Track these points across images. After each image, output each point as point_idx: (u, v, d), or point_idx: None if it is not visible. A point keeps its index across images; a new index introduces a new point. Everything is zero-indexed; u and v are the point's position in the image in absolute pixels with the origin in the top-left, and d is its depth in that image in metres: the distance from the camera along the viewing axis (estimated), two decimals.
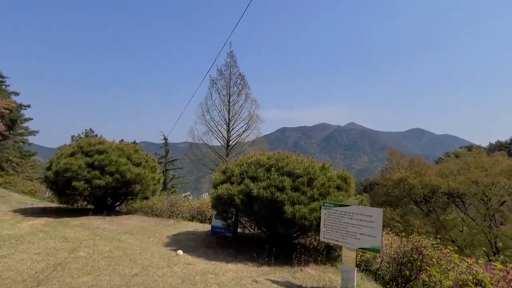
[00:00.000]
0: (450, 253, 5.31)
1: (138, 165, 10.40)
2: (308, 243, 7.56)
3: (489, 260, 9.50)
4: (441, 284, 4.55)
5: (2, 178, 20.41)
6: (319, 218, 5.43)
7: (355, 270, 4.52)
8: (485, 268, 4.49)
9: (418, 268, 5.23)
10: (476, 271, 4.34)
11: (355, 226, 4.54)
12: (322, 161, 7.06)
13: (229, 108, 27.12)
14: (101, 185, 9.27)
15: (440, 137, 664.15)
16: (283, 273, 5.30)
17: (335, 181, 6.48)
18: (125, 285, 4.31)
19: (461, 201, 24.83)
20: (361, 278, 5.51)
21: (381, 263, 6.10)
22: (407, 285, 5.30)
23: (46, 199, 14.08)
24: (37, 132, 34.75)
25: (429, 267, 5.02)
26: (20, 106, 31.82)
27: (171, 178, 30.62)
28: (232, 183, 6.56)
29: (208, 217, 10.31)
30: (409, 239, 5.86)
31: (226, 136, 27.24)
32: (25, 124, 33.52)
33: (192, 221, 10.41)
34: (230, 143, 27.27)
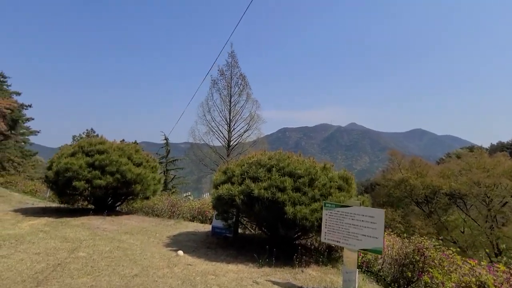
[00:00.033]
0: (453, 254, 5.27)
1: (138, 165, 10.38)
2: (309, 243, 7.53)
3: (491, 262, 9.45)
4: (443, 286, 4.50)
5: (3, 178, 20.43)
6: (320, 218, 5.39)
7: (357, 272, 4.48)
8: (488, 270, 4.44)
9: (420, 270, 5.19)
10: (480, 273, 4.30)
11: (357, 227, 4.50)
12: (323, 162, 7.02)
13: (230, 108, 27.11)
14: (102, 185, 9.25)
15: (441, 137, 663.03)
16: (284, 274, 5.27)
17: (337, 182, 6.44)
18: (124, 286, 4.28)
19: (462, 202, 24.76)
20: (363, 279, 5.47)
21: (382, 264, 6.06)
22: (409, 287, 5.27)
23: (47, 199, 14.07)
24: (38, 132, 34.86)
25: (431, 269, 4.97)
26: (22, 106, 31.90)
27: (172, 178, 30.61)
28: (233, 184, 6.53)
29: (209, 218, 10.28)
30: (411, 240, 5.82)
31: (227, 136, 27.23)
32: (27, 124, 33.62)
33: (193, 221, 10.38)
34: (231, 143, 27.25)
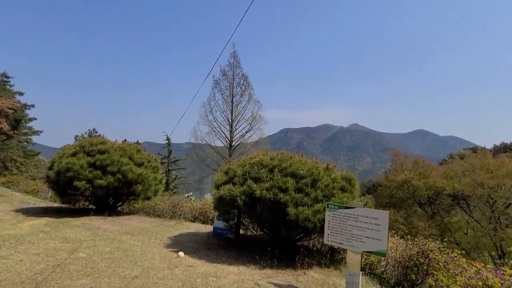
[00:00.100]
0: (458, 257, 5.18)
1: (140, 165, 10.33)
2: (311, 245, 7.45)
3: (494, 264, 9.33)
4: None
5: (5, 178, 20.46)
6: (323, 220, 5.32)
7: (360, 274, 4.40)
8: (494, 273, 4.35)
9: (425, 272, 5.11)
10: (486, 277, 4.21)
11: (360, 229, 4.42)
12: (326, 162, 6.94)
13: (232, 109, 27.05)
14: (103, 185, 9.20)
15: (443, 138, 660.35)
16: (286, 276, 5.19)
17: (339, 183, 6.36)
18: (124, 287, 4.22)
19: (466, 203, 24.55)
20: (366, 282, 5.39)
21: (386, 267, 5.97)
22: None
23: (48, 199, 14.05)
24: (41, 132, 34.97)
25: (436, 271, 4.88)
26: (24, 106, 32.00)
27: (174, 179, 30.59)
28: (234, 184, 6.46)
29: (210, 218, 10.22)
30: (414, 242, 5.73)
31: (229, 137, 27.17)
32: (29, 124, 33.74)
33: (194, 222, 10.32)
34: (233, 143, 27.19)
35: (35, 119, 33.91)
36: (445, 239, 19.25)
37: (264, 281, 4.89)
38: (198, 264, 5.51)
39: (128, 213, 10.96)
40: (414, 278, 5.12)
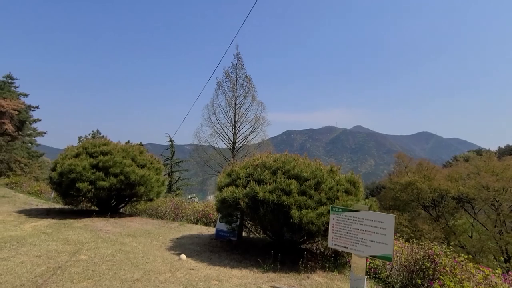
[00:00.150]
0: (465, 261, 5.08)
1: (142, 166, 10.30)
2: (314, 248, 7.36)
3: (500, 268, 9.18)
4: None
5: (9, 179, 20.54)
6: (327, 223, 5.24)
7: (365, 279, 4.31)
8: (503, 279, 4.24)
9: (431, 277, 5.01)
10: (496, 283, 4.10)
11: (365, 233, 4.33)
12: (330, 164, 6.86)
13: (235, 110, 27.05)
14: (105, 187, 9.17)
15: (447, 140, 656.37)
16: (289, 280, 5.11)
17: (344, 185, 6.27)
18: None
19: (470, 206, 24.32)
20: (371, 286, 5.30)
21: (391, 271, 5.87)
22: None
23: (51, 200, 14.06)
24: (45, 133, 35.18)
25: (443, 276, 4.78)
26: (29, 107, 32.20)
27: (177, 180, 30.58)
28: (237, 186, 6.39)
29: (213, 220, 10.15)
30: (420, 246, 5.64)
31: (232, 138, 27.15)
32: (34, 125, 33.95)
33: (197, 224, 10.26)
34: (236, 145, 27.16)
35: (40, 120, 34.16)
36: (451, 243, 19.04)
37: (267, 285, 4.81)
38: (200, 267, 5.44)
39: (130, 215, 10.92)
40: (420, 283, 5.01)
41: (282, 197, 5.68)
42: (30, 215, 9.26)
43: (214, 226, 8.84)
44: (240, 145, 27.37)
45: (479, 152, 41.09)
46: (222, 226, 7.57)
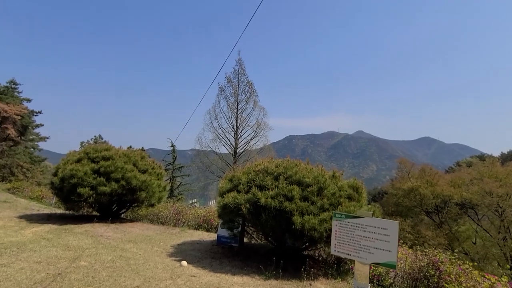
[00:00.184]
0: (470, 269, 5.00)
1: (144, 172, 10.27)
2: (317, 255, 7.28)
3: (504, 275, 9.04)
4: None
5: (11, 184, 20.54)
6: (329, 229, 5.19)
7: (369, 286, 4.24)
8: (510, 287, 4.17)
9: (435, 285, 4.94)
10: None
11: (369, 240, 4.27)
12: (332, 170, 6.81)
13: (237, 116, 27.08)
14: (107, 192, 9.14)
15: (449, 146, 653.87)
16: None
17: (346, 191, 6.22)
18: None
19: (474, 212, 24.11)
20: None
21: (394, 278, 5.78)
22: None
23: (52, 205, 14.04)
24: (47, 138, 35.27)
25: (447, 284, 4.71)
26: (32, 112, 32.33)
27: (178, 185, 30.55)
28: (239, 192, 6.35)
29: (214, 226, 10.09)
30: (424, 253, 5.56)
31: (233, 144, 27.14)
32: (36, 130, 34.05)
33: (198, 229, 10.19)
34: (238, 150, 27.14)
35: (42, 125, 34.27)
36: (456, 250, 18.84)
37: None
38: (201, 274, 5.38)
39: (131, 220, 10.87)
40: None
41: (284, 203, 5.63)
42: (31, 221, 9.22)
43: (216, 232, 8.78)
44: (241, 150, 27.35)
45: (482, 157, 40.93)
46: (224, 232, 7.51)
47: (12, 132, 27.58)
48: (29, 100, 32.90)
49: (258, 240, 8.53)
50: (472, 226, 24.02)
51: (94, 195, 9.09)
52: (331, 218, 5.13)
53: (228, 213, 6.44)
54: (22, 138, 30.55)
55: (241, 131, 27.34)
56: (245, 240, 8.13)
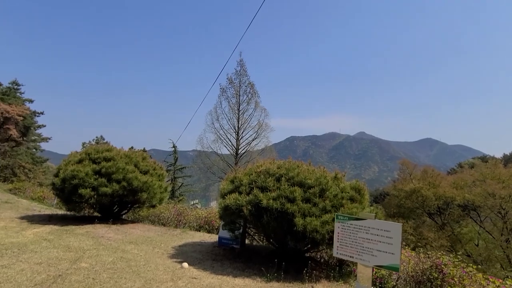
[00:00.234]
0: (474, 272, 4.95)
1: (145, 173, 10.25)
2: (318, 257, 7.23)
3: (507, 277, 8.97)
4: None
5: (12, 184, 20.57)
6: (332, 231, 5.15)
7: None
8: None
9: None
10: None
11: (372, 242, 4.23)
12: (334, 171, 6.77)
13: (238, 117, 27.04)
14: (108, 193, 9.12)
15: (451, 147, 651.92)
16: None
17: (349, 193, 6.17)
18: None
19: (476, 213, 24.00)
20: None
21: (397, 281, 5.72)
22: None
23: (54, 206, 14.04)
24: (49, 139, 35.35)
25: (451, 287, 4.66)
26: (34, 113, 32.42)
27: (180, 186, 30.53)
28: (240, 193, 6.31)
29: (216, 227, 10.05)
30: (427, 255, 5.50)
31: (235, 145, 27.10)
32: (38, 131, 34.14)
33: (199, 231, 10.16)
34: (239, 151, 27.10)
35: (44, 126, 34.37)
36: (459, 252, 18.72)
37: None
38: (202, 276, 5.34)
39: (132, 221, 10.85)
40: None
41: (286, 204, 5.59)
42: (32, 221, 9.22)
43: (217, 233, 8.75)
44: (243, 151, 27.31)
45: (484, 159, 40.72)
46: (225, 234, 7.48)
47: (14, 132, 27.66)
48: (31, 101, 33.04)
49: (260, 242, 8.49)
50: (474, 228, 23.90)
51: (95, 196, 9.07)
52: (333, 220, 5.09)
53: (229, 215, 6.41)
54: (24, 138, 30.64)
55: (242, 132, 27.31)
56: (247, 241, 8.09)
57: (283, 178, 6.15)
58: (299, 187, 5.92)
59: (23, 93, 32.83)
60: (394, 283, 5.72)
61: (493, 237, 21.86)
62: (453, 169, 46.73)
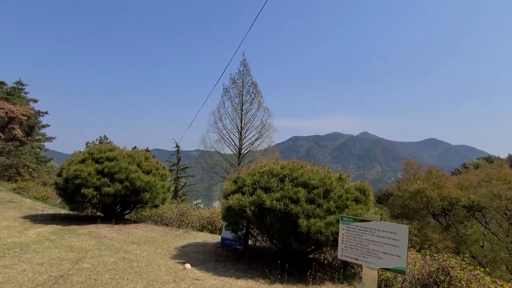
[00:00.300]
0: (481, 275, 4.84)
1: (148, 172, 10.22)
2: (322, 258, 7.15)
3: None
4: None
5: (16, 184, 20.65)
6: (336, 232, 5.07)
7: None
8: None
9: None
10: None
11: (377, 244, 4.15)
12: (339, 172, 6.68)
13: (241, 116, 27.01)
14: (110, 193, 9.09)
15: (456, 147, 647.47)
16: None
17: (353, 193, 6.09)
18: None
19: (481, 214, 23.77)
20: None
21: (402, 283, 5.63)
22: None
23: (57, 206, 14.05)
24: (53, 138, 35.52)
25: None
26: (38, 112, 32.56)
27: (183, 186, 30.52)
28: (243, 194, 6.24)
29: (219, 228, 9.99)
30: (433, 257, 5.41)
31: (238, 145, 27.07)
32: (42, 131, 34.30)
33: (202, 231, 10.11)
34: (242, 151, 27.06)
35: (48, 125, 34.52)
36: (466, 255, 18.51)
37: None
38: (205, 277, 5.28)
39: (135, 221, 10.82)
40: None
41: (289, 205, 5.52)
42: (35, 221, 9.21)
43: (220, 234, 8.69)
44: (246, 151, 27.27)
45: (489, 159, 40.38)
46: (228, 234, 7.41)
47: (18, 132, 27.79)
48: (35, 101, 33.19)
49: (263, 243, 8.42)
50: (479, 229, 23.69)
51: (98, 196, 9.05)
52: (337, 221, 5.02)
53: (232, 215, 6.34)
54: (29, 138, 30.77)
55: (245, 132, 27.29)
56: (250, 242, 8.03)
57: (286, 179, 6.08)
58: (303, 188, 5.84)
59: (27, 93, 33.01)
60: (400, 286, 5.62)
61: (499, 238, 21.63)
62: (457, 169, 46.39)
